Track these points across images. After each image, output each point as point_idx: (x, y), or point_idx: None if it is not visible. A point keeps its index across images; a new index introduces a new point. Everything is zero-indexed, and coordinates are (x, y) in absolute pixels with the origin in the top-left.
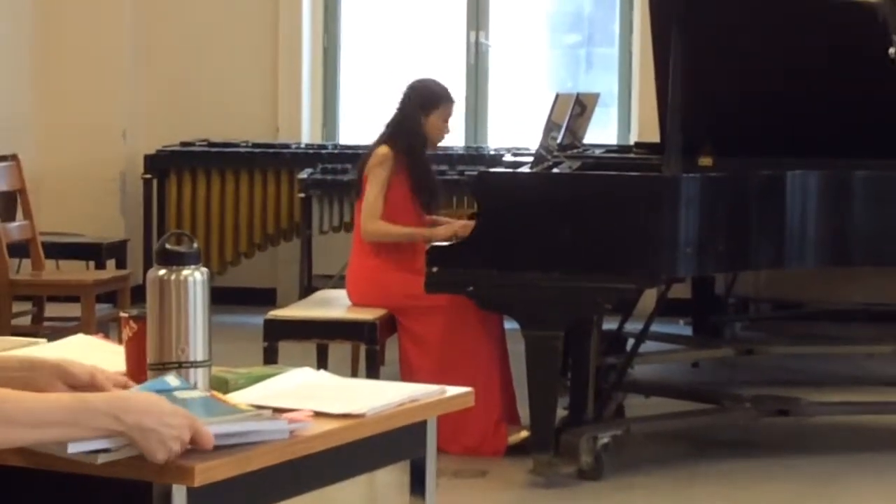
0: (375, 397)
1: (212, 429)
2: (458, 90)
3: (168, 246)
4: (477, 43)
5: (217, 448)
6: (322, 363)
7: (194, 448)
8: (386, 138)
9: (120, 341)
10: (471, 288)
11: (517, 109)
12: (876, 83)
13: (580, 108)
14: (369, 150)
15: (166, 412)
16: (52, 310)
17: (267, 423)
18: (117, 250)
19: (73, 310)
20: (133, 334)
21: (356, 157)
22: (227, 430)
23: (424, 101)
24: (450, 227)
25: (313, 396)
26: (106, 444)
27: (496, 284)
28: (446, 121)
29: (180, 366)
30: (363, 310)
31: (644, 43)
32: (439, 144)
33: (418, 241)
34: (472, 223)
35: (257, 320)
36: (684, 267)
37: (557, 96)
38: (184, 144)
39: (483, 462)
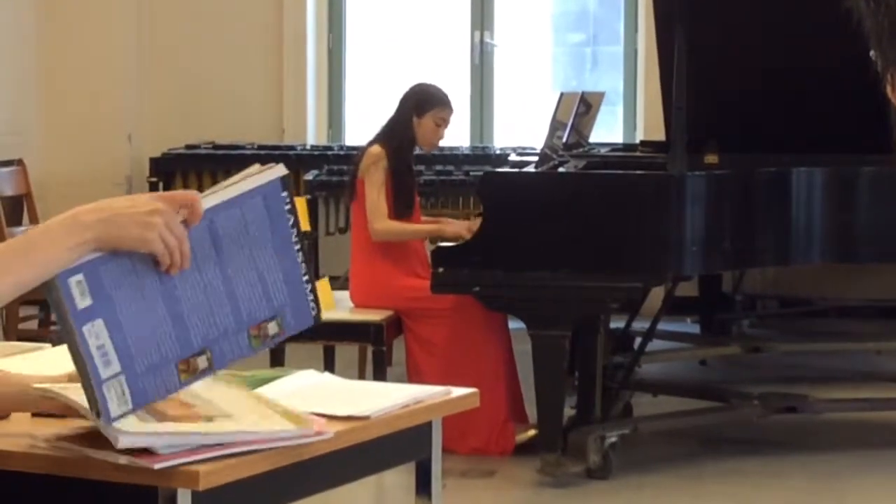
0: (380, 399)
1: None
2: (462, 90)
3: None
4: (482, 43)
5: (223, 456)
6: (329, 365)
7: (186, 223)
8: (378, 138)
9: None
10: (477, 288)
11: (522, 109)
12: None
13: (585, 107)
14: (362, 150)
15: (118, 199)
16: None
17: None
18: None
19: None
20: None
21: None
22: (218, 200)
23: (419, 102)
24: (460, 224)
25: (318, 398)
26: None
27: (502, 284)
28: (440, 125)
29: None
30: (370, 311)
31: (649, 41)
32: (441, 144)
33: (428, 237)
34: (478, 223)
35: None
36: (691, 265)
37: (562, 95)
38: (189, 147)
39: (491, 462)
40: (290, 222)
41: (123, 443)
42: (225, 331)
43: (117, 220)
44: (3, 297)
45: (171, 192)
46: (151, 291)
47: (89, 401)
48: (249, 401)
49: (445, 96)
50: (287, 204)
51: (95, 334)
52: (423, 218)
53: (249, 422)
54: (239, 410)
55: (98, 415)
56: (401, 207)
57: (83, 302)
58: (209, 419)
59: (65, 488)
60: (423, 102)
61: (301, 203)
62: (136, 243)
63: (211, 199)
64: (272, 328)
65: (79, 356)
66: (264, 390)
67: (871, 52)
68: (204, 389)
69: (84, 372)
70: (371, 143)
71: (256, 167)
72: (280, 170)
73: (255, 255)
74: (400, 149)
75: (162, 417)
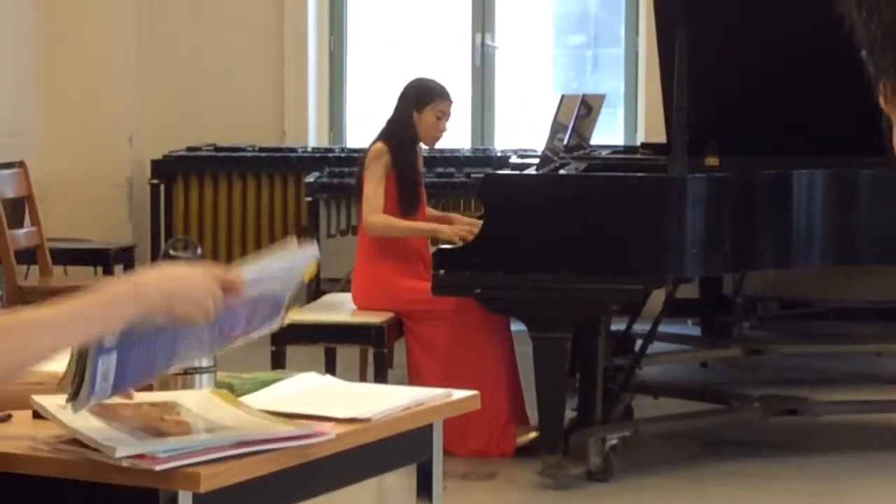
0: (381, 401)
1: (245, 273)
2: (464, 92)
3: (171, 251)
4: (483, 45)
5: (224, 458)
6: (330, 367)
7: (228, 294)
8: (380, 136)
9: None
10: (478, 290)
11: (523, 111)
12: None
13: (586, 109)
14: (366, 149)
15: (176, 272)
16: None
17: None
18: (125, 256)
19: None
20: None
21: None
22: (259, 275)
23: (418, 96)
24: (456, 229)
25: (319, 401)
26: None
27: (503, 286)
28: (440, 118)
29: (185, 372)
30: (371, 313)
31: (650, 43)
32: (441, 146)
33: (422, 236)
34: (479, 224)
35: None
36: (691, 267)
37: (563, 97)
38: (190, 149)
39: (492, 464)
40: (298, 281)
41: (121, 453)
42: (202, 351)
43: (176, 298)
44: (37, 363)
45: (224, 275)
46: (162, 331)
47: (70, 383)
48: (246, 415)
49: (444, 88)
50: (302, 272)
51: (107, 363)
52: (429, 210)
53: (249, 430)
54: (237, 423)
55: (73, 397)
56: (405, 206)
57: (110, 342)
58: (209, 432)
59: (66, 490)
60: (422, 96)
61: (313, 266)
62: (184, 320)
63: (250, 272)
64: (239, 340)
65: (82, 373)
66: (266, 393)
67: (863, 53)
68: (199, 407)
69: (79, 381)
70: (374, 141)
71: (294, 244)
72: (314, 253)
73: (258, 299)
74: (402, 146)
75: (160, 434)
